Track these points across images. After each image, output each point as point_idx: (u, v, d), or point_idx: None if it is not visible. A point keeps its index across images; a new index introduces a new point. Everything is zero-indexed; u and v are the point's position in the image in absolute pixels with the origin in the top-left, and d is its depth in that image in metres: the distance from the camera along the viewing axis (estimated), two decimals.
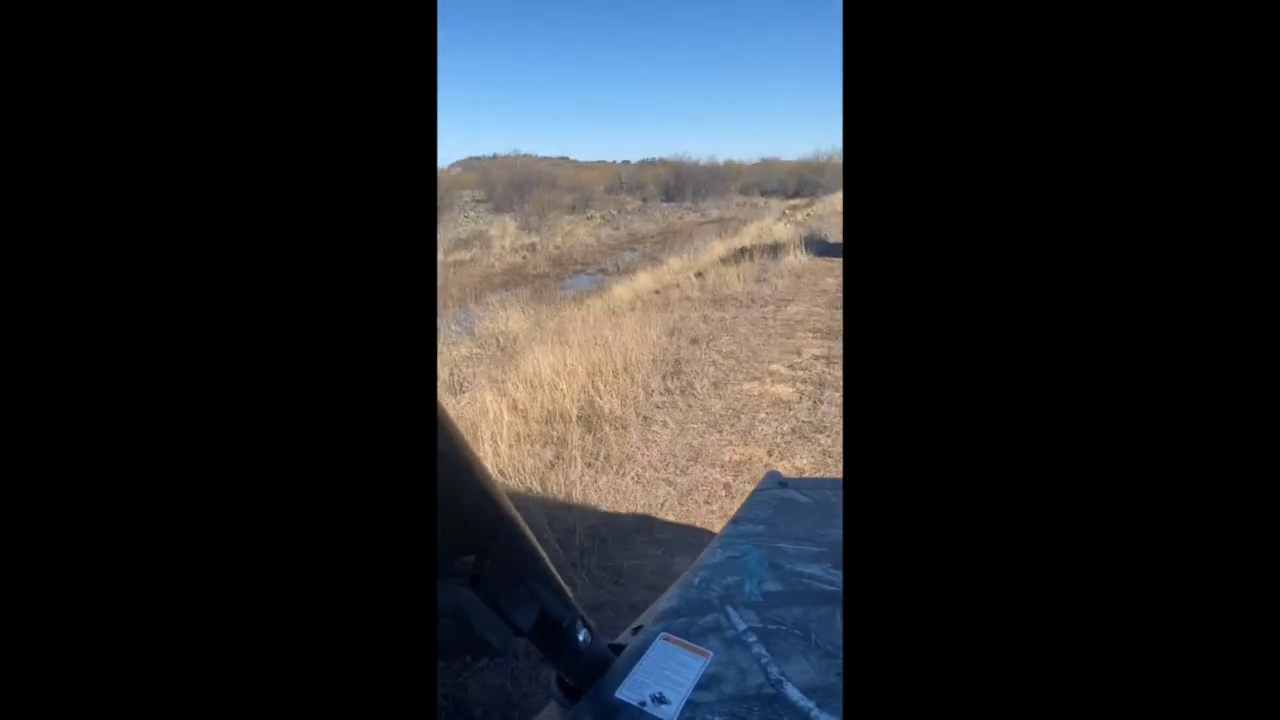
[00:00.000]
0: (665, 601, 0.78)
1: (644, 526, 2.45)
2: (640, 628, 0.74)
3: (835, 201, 20.26)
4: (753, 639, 0.68)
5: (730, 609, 0.73)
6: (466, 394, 3.73)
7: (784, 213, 20.25)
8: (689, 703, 0.61)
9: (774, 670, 0.64)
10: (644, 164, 44.64)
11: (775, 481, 1.10)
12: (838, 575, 0.78)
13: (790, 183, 37.19)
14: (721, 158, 45.84)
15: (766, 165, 44.00)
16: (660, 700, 0.62)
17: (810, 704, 0.59)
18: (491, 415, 3.22)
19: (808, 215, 15.33)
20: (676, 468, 2.90)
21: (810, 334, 4.98)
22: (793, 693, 0.61)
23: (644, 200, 31.65)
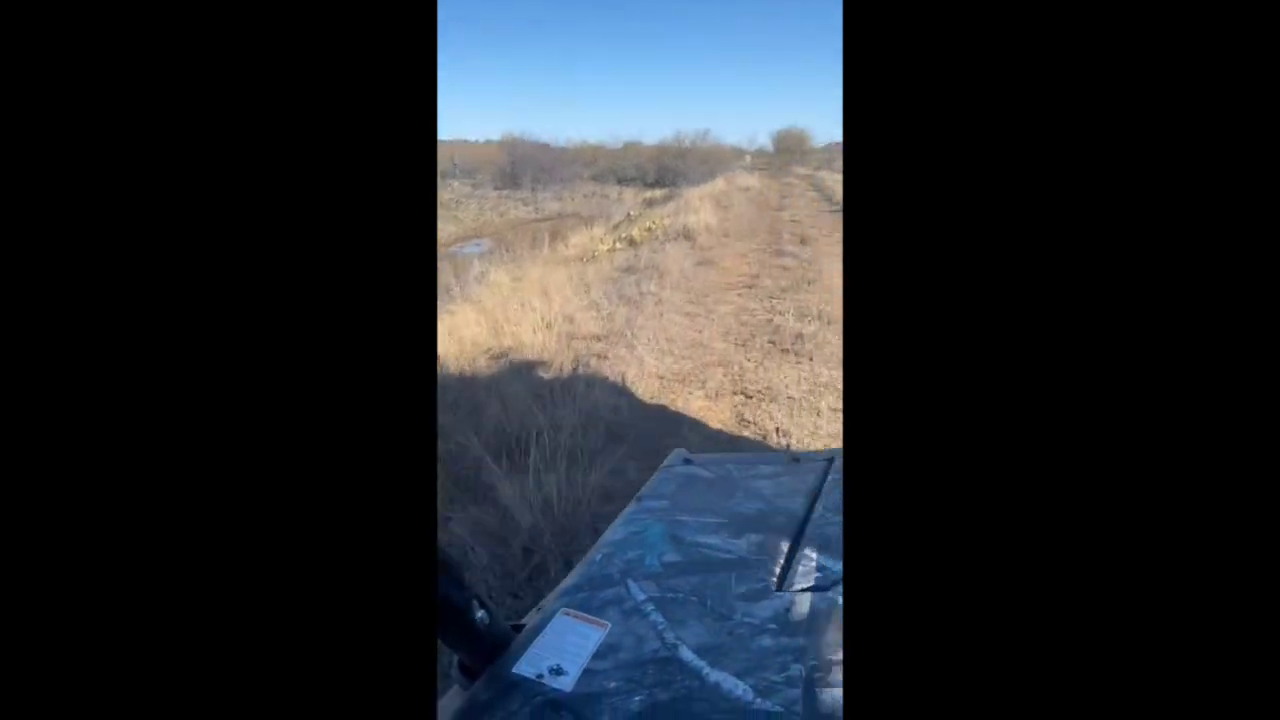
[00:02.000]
0: (568, 580, 0.79)
1: None
2: (543, 608, 0.74)
3: (696, 199, 15.31)
4: (651, 608, 0.69)
5: (630, 581, 0.74)
6: None
7: (628, 215, 15.54)
8: (586, 671, 0.61)
9: (670, 635, 0.65)
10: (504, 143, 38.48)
11: (681, 459, 1.08)
12: (735, 543, 0.80)
13: (650, 169, 33.13)
14: (585, 139, 40.75)
15: (630, 149, 39.62)
16: (558, 672, 0.62)
17: (703, 663, 0.61)
18: None
19: (648, 230, 10.32)
20: None
21: None
22: (687, 654, 0.62)
23: (474, 188, 25.97)
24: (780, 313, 4.78)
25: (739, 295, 5.50)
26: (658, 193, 23.79)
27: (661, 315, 4.83)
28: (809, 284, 5.66)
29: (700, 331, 4.47)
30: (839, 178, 28.18)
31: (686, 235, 9.32)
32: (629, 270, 6.90)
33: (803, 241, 8.21)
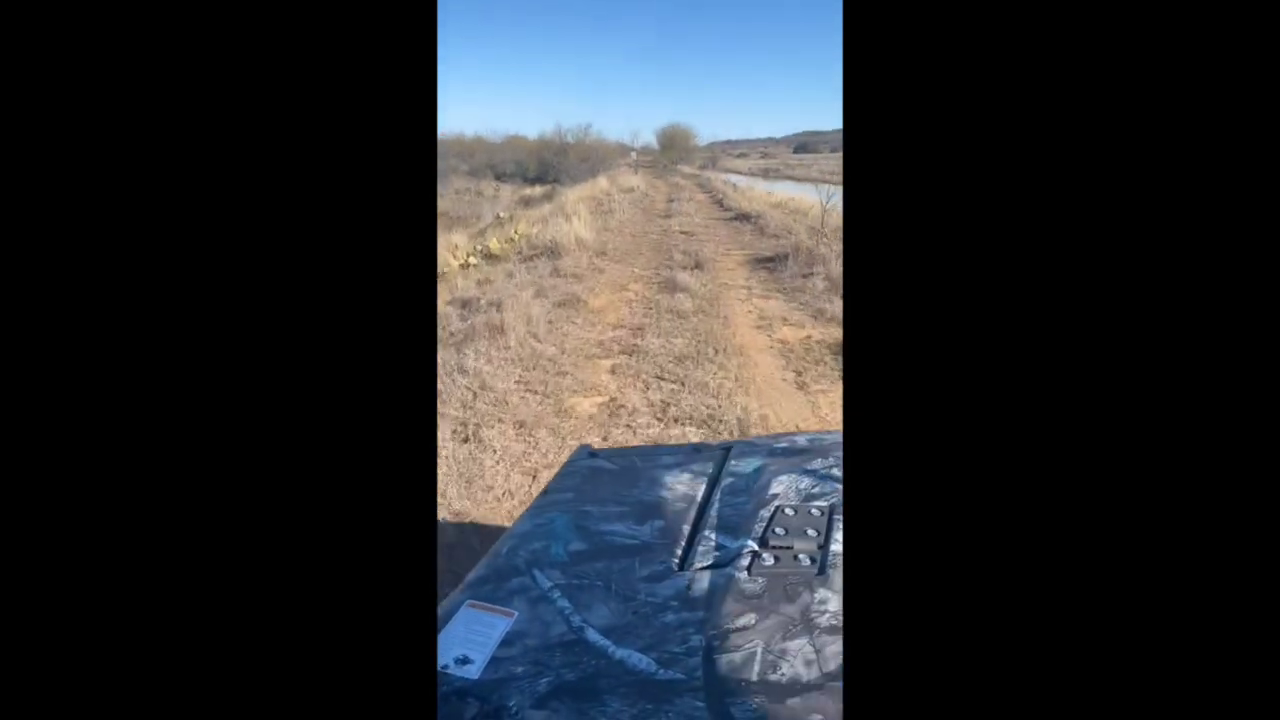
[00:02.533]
0: (473, 574, 0.78)
1: None
2: (448, 603, 0.73)
3: (573, 201, 13.36)
4: (557, 595, 0.70)
5: (537, 571, 0.74)
6: None
7: (498, 218, 13.32)
8: (493, 659, 0.61)
9: (576, 619, 0.65)
10: None
11: (586, 453, 1.09)
12: (639, 530, 0.81)
13: (531, 165, 31.18)
14: (463, 131, 37.58)
15: (512, 142, 37.14)
16: (464, 661, 0.61)
17: (608, 642, 0.62)
18: None
19: (510, 242, 8.19)
20: None
21: None
22: (593, 635, 0.63)
23: None
24: (678, 419, 2.86)
25: (611, 372, 3.53)
26: (537, 190, 21.75)
27: (471, 432, 2.77)
28: (716, 350, 3.79)
29: (534, 476, 2.45)
30: (726, 177, 27.34)
31: (553, 253, 7.28)
32: (465, 308, 4.77)
33: (698, 265, 6.38)
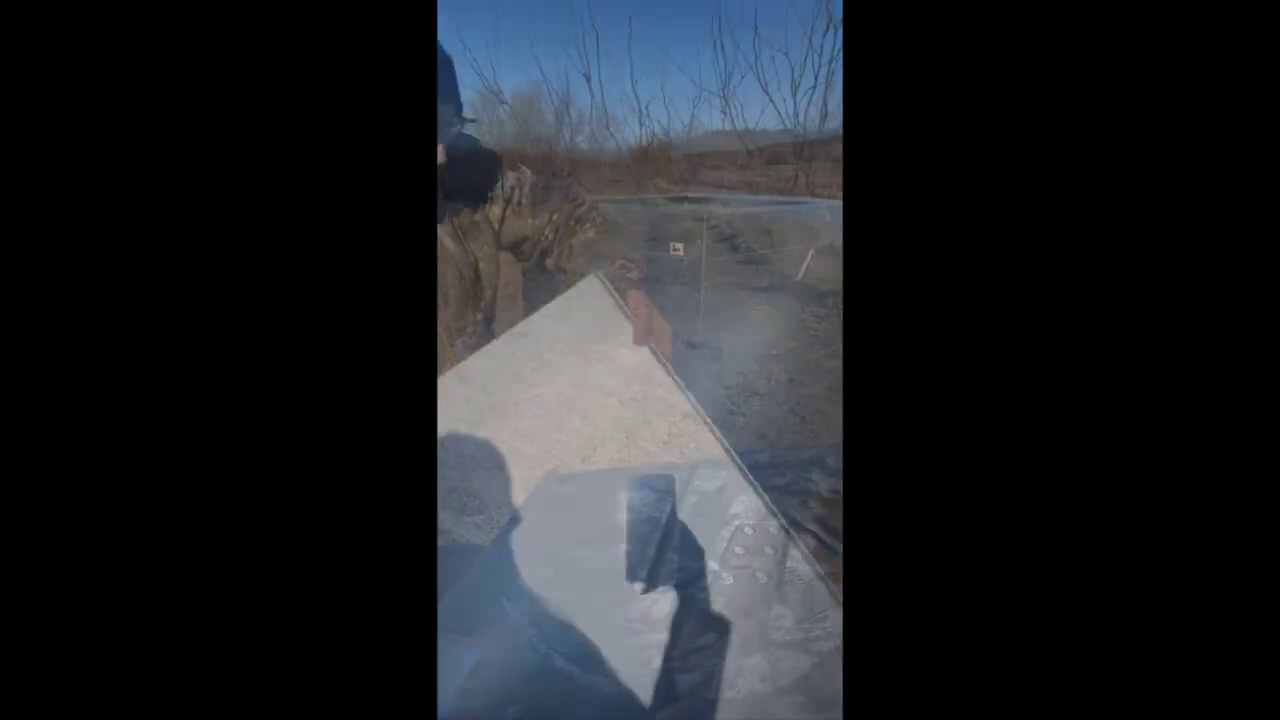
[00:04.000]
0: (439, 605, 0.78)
1: None
2: None
3: None
4: (525, 623, 0.71)
5: (505, 600, 0.75)
6: None
7: None
8: (458, 691, 0.62)
9: (542, 647, 0.67)
10: None
11: (554, 480, 1.05)
12: (605, 553, 0.81)
13: None
14: None
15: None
16: None
17: (574, 668, 0.63)
18: None
19: None
20: None
21: None
22: (559, 662, 0.64)
23: None
24: None
25: None
26: None
27: None
28: None
29: None
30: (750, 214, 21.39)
31: None
32: None
33: None
